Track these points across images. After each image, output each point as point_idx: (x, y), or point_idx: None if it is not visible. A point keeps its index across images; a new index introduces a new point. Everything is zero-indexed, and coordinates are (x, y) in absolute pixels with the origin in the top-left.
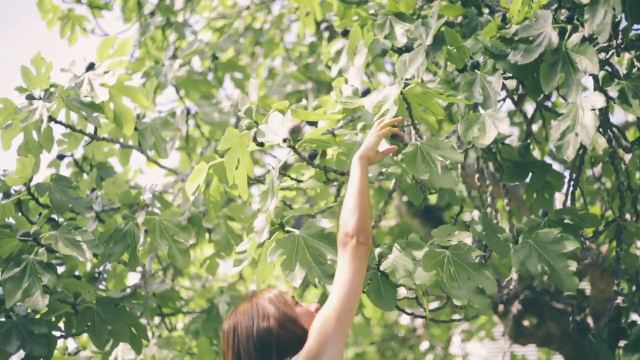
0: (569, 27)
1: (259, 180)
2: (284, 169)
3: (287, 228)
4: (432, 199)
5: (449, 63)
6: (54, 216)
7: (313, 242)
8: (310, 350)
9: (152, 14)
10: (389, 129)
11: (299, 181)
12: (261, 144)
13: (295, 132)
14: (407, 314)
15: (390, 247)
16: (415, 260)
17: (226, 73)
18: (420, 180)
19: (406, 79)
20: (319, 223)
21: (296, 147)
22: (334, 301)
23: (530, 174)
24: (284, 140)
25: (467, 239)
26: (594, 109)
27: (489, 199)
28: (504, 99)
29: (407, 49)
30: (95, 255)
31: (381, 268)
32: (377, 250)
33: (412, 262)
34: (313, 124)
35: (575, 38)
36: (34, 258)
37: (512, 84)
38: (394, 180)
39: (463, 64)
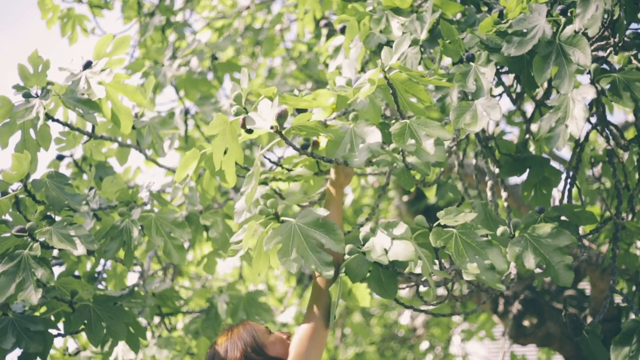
0: (563, 19)
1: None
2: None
3: (283, 218)
4: (431, 197)
5: (444, 57)
6: (51, 214)
7: (309, 230)
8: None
9: (151, 14)
10: None
11: (290, 170)
12: (250, 131)
13: (283, 117)
14: (406, 307)
15: (374, 230)
16: (395, 238)
17: (226, 73)
18: (412, 166)
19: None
20: (315, 213)
21: (283, 133)
22: (305, 324)
23: (528, 170)
24: (271, 127)
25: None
26: (585, 101)
27: (489, 194)
28: (500, 95)
29: None
30: (91, 253)
31: (362, 249)
32: (362, 235)
33: (390, 240)
34: (303, 111)
35: (569, 30)
36: (28, 253)
37: (509, 82)
38: (387, 173)
39: (458, 57)
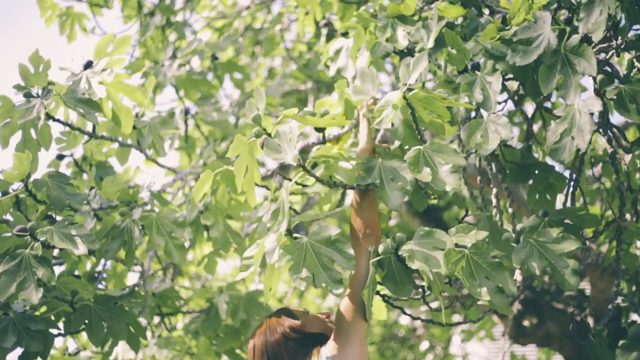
0: (568, 28)
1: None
2: (288, 171)
3: (295, 235)
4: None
5: (449, 64)
6: (51, 213)
7: (321, 248)
8: (338, 334)
9: (152, 13)
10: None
11: (305, 185)
12: None
13: (305, 152)
14: (405, 313)
15: (412, 233)
16: (434, 249)
17: (226, 73)
18: (425, 186)
19: (410, 84)
20: (326, 230)
21: (306, 165)
22: (353, 290)
23: (533, 176)
24: (293, 161)
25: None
26: (591, 113)
27: (494, 201)
28: (505, 101)
29: (409, 51)
30: (92, 252)
31: (399, 252)
32: (397, 236)
33: (431, 250)
34: (320, 129)
35: (574, 40)
36: (29, 252)
37: (513, 86)
38: None
39: (463, 66)
